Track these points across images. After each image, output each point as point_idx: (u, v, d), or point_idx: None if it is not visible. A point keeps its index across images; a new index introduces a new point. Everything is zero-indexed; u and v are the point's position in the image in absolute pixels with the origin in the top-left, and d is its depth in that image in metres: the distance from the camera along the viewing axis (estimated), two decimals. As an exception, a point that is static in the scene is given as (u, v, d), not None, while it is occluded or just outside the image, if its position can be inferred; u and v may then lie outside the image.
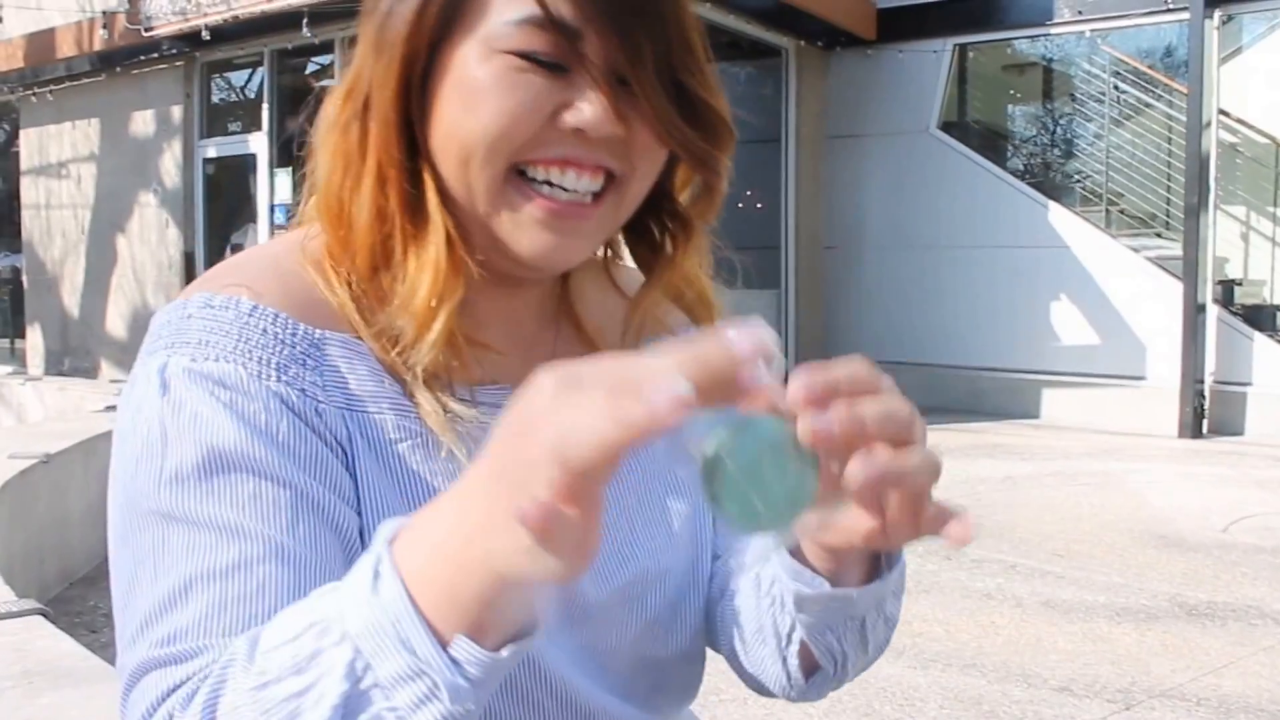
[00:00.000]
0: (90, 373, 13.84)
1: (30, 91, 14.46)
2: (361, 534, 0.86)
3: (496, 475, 0.65)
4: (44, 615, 3.68)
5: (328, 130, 0.94)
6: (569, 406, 0.61)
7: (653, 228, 1.03)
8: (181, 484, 0.81)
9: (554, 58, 0.87)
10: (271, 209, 12.65)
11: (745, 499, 0.64)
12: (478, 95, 0.87)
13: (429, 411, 0.90)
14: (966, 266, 11.80)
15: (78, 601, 5.48)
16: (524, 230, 0.90)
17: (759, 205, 12.39)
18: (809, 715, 3.94)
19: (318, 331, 0.89)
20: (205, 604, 0.78)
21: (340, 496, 0.85)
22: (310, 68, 13.52)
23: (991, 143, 13.31)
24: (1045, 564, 6.07)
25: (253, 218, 13.10)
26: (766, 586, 0.99)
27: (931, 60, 11.87)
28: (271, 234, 12.63)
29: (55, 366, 14.38)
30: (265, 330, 0.87)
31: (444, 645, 0.67)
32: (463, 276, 0.90)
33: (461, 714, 0.68)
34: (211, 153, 13.34)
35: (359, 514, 0.86)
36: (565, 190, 0.90)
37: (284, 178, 12.54)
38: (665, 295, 1.04)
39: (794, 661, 1.01)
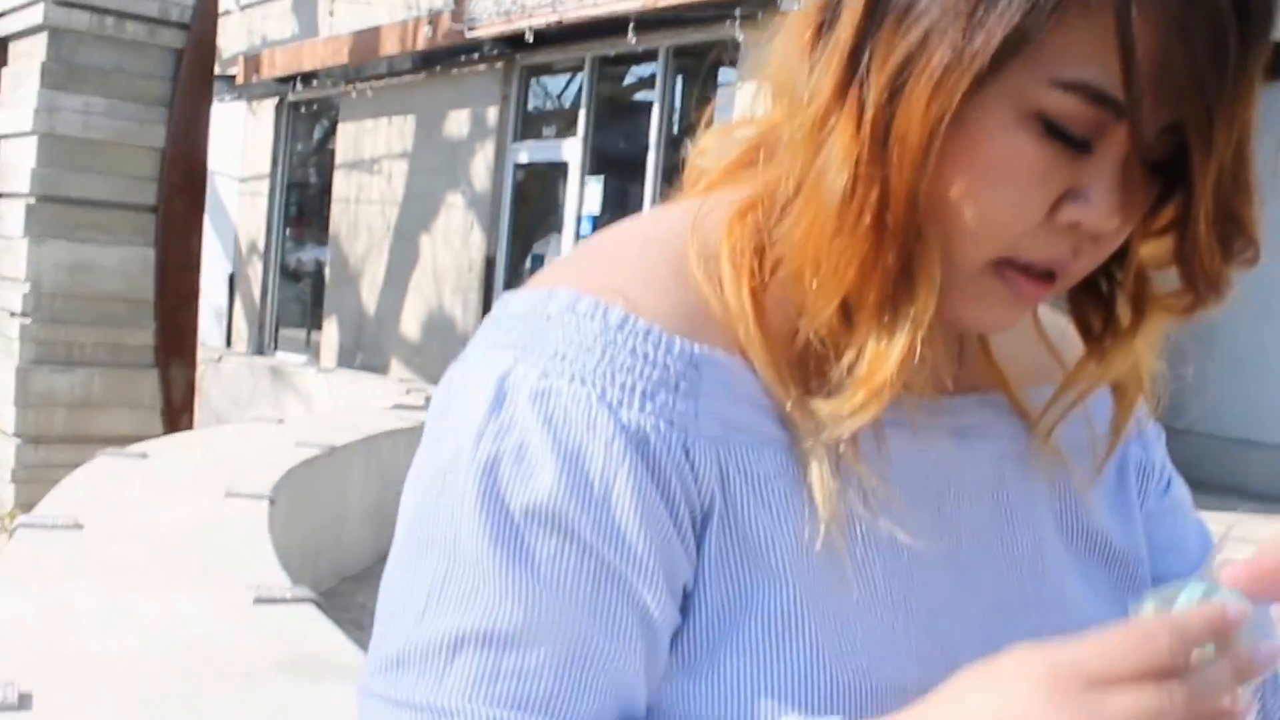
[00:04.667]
0: (381, 370, 14.31)
1: (351, 87, 15.09)
2: (697, 583, 0.80)
3: None
4: (316, 605, 3.70)
5: (816, 128, 0.79)
6: None
7: (1099, 280, 0.89)
8: (477, 522, 0.76)
9: (1086, 135, 0.76)
10: (579, 220, 12.84)
11: None
12: (989, 173, 0.77)
13: (816, 481, 0.80)
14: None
15: (347, 597, 5.59)
16: (987, 307, 0.83)
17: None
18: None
19: (697, 348, 0.80)
20: (477, 669, 0.75)
21: (661, 575, 0.77)
22: (629, 78, 13.69)
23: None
24: None
25: (558, 227, 13.33)
26: None
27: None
28: (577, 245, 12.75)
29: (348, 361, 14.96)
30: (634, 350, 0.78)
31: None
32: None
33: None
34: (523, 158, 13.65)
35: (698, 579, 0.79)
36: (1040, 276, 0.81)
37: (594, 187, 12.71)
38: (1101, 382, 0.93)
39: None
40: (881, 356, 0.79)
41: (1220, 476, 9.84)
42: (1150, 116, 0.74)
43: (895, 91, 0.76)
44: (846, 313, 0.80)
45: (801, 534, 0.80)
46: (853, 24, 0.78)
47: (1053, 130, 0.75)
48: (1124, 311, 0.89)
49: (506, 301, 0.83)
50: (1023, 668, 0.65)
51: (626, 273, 0.82)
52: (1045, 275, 0.81)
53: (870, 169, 0.76)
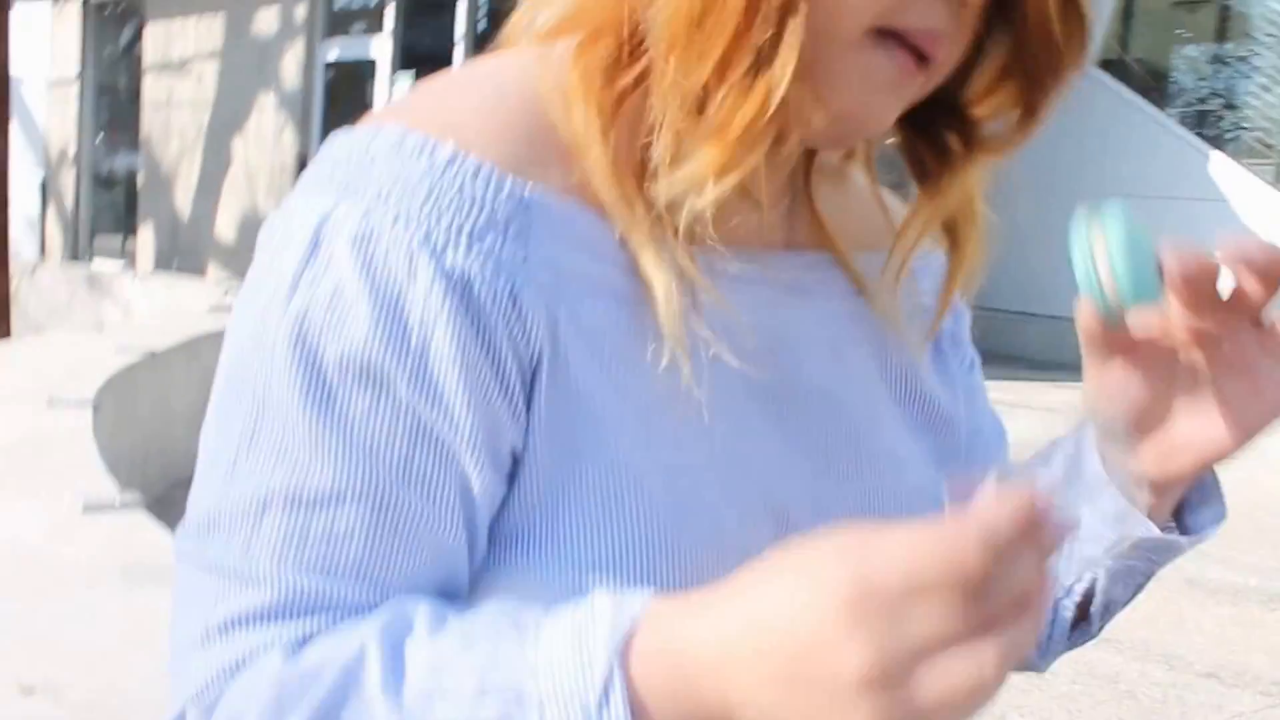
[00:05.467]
0: (198, 273, 14.01)
1: (156, -15, 14.56)
2: (524, 445, 0.74)
3: (781, 680, 0.59)
4: (146, 511, 3.69)
5: None
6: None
7: (934, 127, 0.86)
8: (287, 373, 0.69)
9: None
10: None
11: (1108, 271, 0.73)
12: None
13: (662, 300, 0.74)
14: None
15: (180, 502, 5.46)
16: (870, 89, 0.76)
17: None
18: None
19: (529, 187, 0.73)
20: (284, 531, 0.70)
21: (482, 438, 0.71)
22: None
23: (1153, 85, 12.82)
24: (1189, 537, 5.82)
25: (367, 126, 13.17)
26: None
27: (1095, -6, 11.41)
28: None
29: (165, 265, 14.60)
30: (462, 189, 0.71)
31: None
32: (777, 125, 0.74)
33: None
34: (333, 55, 13.33)
35: (528, 441, 0.73)
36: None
37: (404, 84, 12.50)
38: (935, 219, 0.88)
39: (1066, 615, 0.94)
40: (732, 112, 0.72)
41: (1002, 347, 10.33)
42: None
43: None
44: (702, 101, 0.74)
45: (638, 389, 0.75)
46: None
47: None
48: (956, 147, 0.85)
49: (330, 142, 0.76)
50: (825, 578, 0.58)
51: (462, 109, 0.75)
52: (919, 55, 0.75)
53: None
